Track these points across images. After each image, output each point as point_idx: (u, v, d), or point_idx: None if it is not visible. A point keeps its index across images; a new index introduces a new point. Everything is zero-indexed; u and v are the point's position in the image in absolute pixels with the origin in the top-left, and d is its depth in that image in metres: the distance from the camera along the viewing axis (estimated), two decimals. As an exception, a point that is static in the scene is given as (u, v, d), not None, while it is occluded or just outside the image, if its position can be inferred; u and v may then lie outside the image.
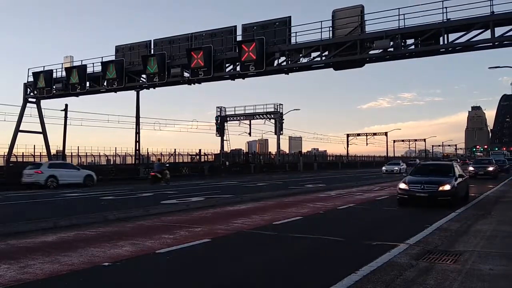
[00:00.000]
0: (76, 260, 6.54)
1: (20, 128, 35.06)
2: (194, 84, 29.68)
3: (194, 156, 55.15)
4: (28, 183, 23.65)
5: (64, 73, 32.31)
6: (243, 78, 28.55)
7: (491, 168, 30.32)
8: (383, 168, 48.04)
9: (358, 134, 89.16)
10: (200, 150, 56.09)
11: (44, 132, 36.10)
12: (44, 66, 33.66)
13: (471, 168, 30.53)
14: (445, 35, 22.39)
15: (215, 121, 53.55)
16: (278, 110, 51.44)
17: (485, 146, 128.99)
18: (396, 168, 45.24)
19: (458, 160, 64.09)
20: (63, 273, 5.81)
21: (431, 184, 13.04)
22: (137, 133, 36.78)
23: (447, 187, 12.78)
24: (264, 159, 64.52)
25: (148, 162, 47.95)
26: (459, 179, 13.77)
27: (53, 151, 38.58)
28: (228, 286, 5.49)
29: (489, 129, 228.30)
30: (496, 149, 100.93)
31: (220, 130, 53.38)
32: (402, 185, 13.62)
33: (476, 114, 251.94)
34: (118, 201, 16.52)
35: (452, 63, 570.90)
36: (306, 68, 27.37)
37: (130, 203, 15.42)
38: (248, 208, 13.71)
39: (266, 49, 25.52)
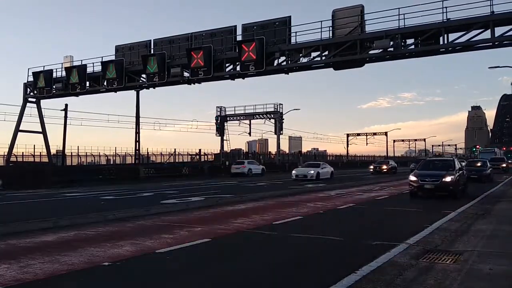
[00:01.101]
0: (76, 260, 6.54)
1: (20, 128, 35.07)
2: (194, 84, 29.67)
3: (194, 156, 55.15)
4: (236, 173, 37.70)
5: (64, 73, 32.32)
6: (243, 78, 28.55)
7: (448, 179, 15.96)
8: (293, 172, 32.16)
9: (358, 134, 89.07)
10: (200, 150, 56.19)
11: (44, 132, 36.11)
12: (44, 66, 33.73)
13: (412, 178, 16.75)
14: (445, 35, 22.40)
15: (215, 121, 53.46)
16: (278, 110, 51.35)
17: (486, 146, 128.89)
18: (312, 172, 30.25)
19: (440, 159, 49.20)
20: (63, 273, 5.81)
21: None
22: (137, 133, 36.79)
23: None
24: (264, 159, 64.43)
25: (148, 162, 48.03)
26: None
27: (53, 151, 38.65)
28: (228, 286, 5.49)
29: (489, 129, 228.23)
30: (496, 149, 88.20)
31: (220, 130, 53.30)
32: None
33: (476, 114, 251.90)
34: (118, 201, 16.53)
35: (452, 63, 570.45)
36: (306, 68, 27.37)
37: (130, 202, 15.43)
38: (248, 207, 13.71)
39: (266, 49, 25.51)
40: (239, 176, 36.92)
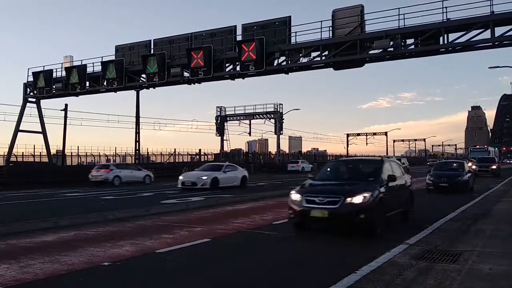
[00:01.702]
0: (76, 260, 6.54)
1: (20, 128, 35.04)
2: (194, 84, 29.66)
3: (194, 156, 55.10)
4: (291, 170, 46.45)
5: (64, 73, 32.28)
6: (243, 78, 28.54)
7: (359, 199, 8.02)
8: (180, 177, 22.78)
9: (358, 134, 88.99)
10: (200, 150, 56.09)
11: (44, 132, 36.09)
12: (44, 66, 33.67)
13: (294, 197, 8.64)
14: (445, 35, 22.38)
15: (215, 121, 53.47)
16: (278, 110, 51.34)
17: (485, 146, 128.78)
18: (205, 178, 21.71)
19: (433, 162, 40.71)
20: (63, 273, 5.82)
21: None
22: (137, 133, 36.82)
23: None
24: (264, 159, 64.44)
25: (148, 162, 48.02)
26: None
27: (53, 151, 38.61)
28: (228, 286, 5.49)
29: (489, 129, 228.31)
30: (490, 147, 76.99)
31: (220, 130, 53.29)
32: None
33: (476, 114, 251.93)
34: (118, 201, 16.52)
35: (452, 63, 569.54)
36: (306, 68, 27.36)
37: (130, 202, 15.42)
38: (248, 207, 13.71)
39: (266, 49, 25.50)
40: (293, 173, 43.26)
